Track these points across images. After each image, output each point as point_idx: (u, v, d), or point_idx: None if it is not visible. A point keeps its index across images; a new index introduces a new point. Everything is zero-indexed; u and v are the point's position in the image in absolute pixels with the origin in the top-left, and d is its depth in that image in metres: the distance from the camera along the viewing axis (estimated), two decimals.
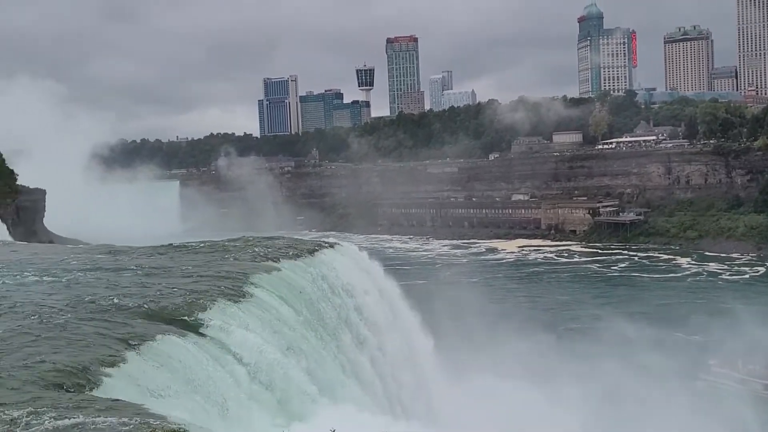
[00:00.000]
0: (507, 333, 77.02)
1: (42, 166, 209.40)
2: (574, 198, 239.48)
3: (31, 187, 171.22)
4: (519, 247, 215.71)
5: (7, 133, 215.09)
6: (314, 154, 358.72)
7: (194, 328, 30.04)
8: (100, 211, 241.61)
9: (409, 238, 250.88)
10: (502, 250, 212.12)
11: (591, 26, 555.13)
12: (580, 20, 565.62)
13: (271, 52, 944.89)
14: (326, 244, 53.07)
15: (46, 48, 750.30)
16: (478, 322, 77.60)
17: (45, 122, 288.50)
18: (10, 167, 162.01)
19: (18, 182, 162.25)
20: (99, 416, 18.34)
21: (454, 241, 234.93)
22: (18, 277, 40.36)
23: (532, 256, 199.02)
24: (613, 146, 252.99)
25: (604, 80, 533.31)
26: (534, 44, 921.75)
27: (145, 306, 31.87)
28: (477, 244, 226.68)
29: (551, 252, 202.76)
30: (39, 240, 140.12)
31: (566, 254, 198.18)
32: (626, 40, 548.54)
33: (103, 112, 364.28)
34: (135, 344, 26.38)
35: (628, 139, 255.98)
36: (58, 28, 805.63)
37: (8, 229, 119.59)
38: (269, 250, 48.40)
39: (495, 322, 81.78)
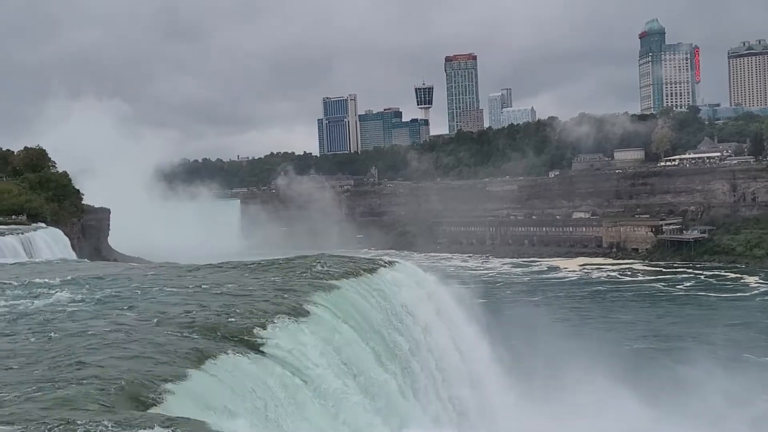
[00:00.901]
0: (572, 354, 75.68)
1: (106, 184, 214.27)
2: (637, 216, 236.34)
3: (96, 206, 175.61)
4: (580, 265, 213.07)
5: (74, 152, 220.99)
6: (373, 172, 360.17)
7: (255, 345, 30.02)
8: (163, 229, 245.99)
9: (469, 257, 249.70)
10: (564, 268, 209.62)
11: (653, 42, 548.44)
12: (642, 36, 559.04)
13: (331, 71, 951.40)
14: (385, 263, 52.84)
15: (110, 68, 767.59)
16: (543, 341, 76.41)
17: (110, 142, 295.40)
18: (76, 187, 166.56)
19: (83, 201, 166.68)
20: None
21: (515, 260, 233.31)
22: (86, 294, 41.00)
23: (595, 274, 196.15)
24: (676, 163, 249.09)
25: (667, 96, 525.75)
26: (594, 60, 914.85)
27: (206, 323, 31.99)
28: (538, 263, 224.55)
29: (614, 270, 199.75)
30: (103, 258, 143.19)
31: (629, 273, 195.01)
32: (689, 56, 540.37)
33: (166, 131, 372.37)
34: (196, 361, 26.43)
35: (692, 155, 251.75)
36: (122, 49, 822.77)
37: (74, 247, 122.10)
38: (329, 268, 48.39)
39: (560, 342, 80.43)
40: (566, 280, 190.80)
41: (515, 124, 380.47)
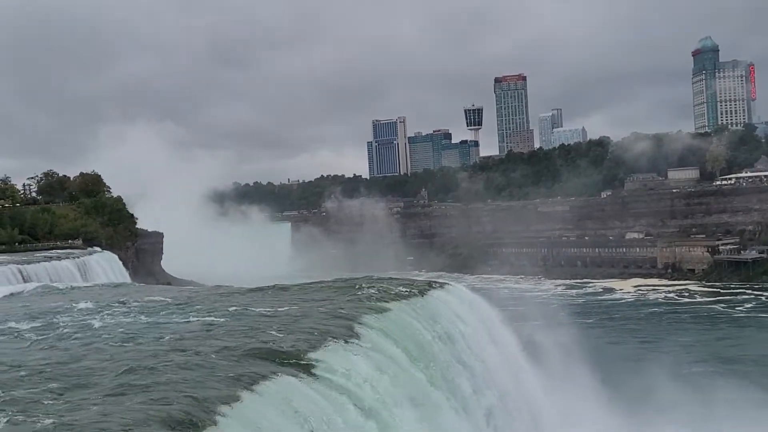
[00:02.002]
0: (628, 376, 74.39)
1: (159, 208, 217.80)
2: (692, 236, 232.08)
3: (149, 230, 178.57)
4: (635, 286, 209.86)
5: (128, 176, 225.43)
6: (423, 194, 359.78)
7: (306, 368, 29.95)
8: (215, 253, 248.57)
9: (521, 278, 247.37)
10: (619, 289, 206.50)
11: (706, 60, 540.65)
12: (695, 54, 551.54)
13: (380, 94, 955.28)
14: (437, 285, 52.48)
15: (162, 96, 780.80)
16: (602, 366, 75.11)
17: (162, 166, 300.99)
18: (131, 211, 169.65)
19: (137, 225, 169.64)
20: None
21: (567, 281, 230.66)
22: (140, 317, 41.47)
23: (652, 296, 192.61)
24: (733, 182, 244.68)
25: (722, 114, 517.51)
26: (646, 79, 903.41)
27: (258, 345, 32.04)
28: (591, 284, 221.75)
29: (670, 292, 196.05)
30: (157, 281, 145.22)
31: (686, 294, 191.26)
32: (744, 73, 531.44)
33: (218, 156, 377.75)
34: (249, 384, 26.44)
35: (749, 174, 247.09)
36: (175, 77, 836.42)
37: (129, 271, 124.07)
38: (379, 290, 48.20)
39: (618, 365, 79.11)
40: (623, 301, 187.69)
41: (566, 144, 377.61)
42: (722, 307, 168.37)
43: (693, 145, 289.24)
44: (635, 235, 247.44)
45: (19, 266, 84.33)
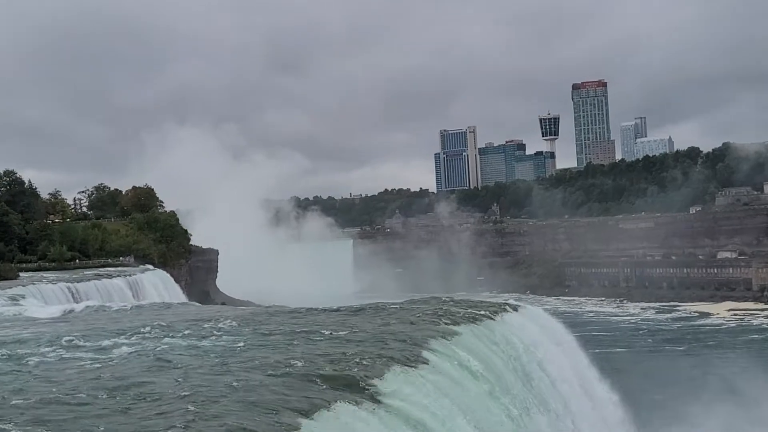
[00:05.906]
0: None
1: (214, 222, 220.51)
2: None
3: (203, 246, 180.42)
4: (729, 310, 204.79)
5: (182, 189, 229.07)
6: (495, 209, 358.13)
7: (371, 394, 29.89)
8: (272, 270, 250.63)
9: (601, 300, 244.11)
10: (715, 314, 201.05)
11: None
12: None
13: (448, 102, 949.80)
14: (510, 308, 52.05)
15: (216, 104, 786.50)
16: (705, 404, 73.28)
17: (218, 178, 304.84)
18: (184, 227, 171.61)
19: (191, 242, 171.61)
20: None
21: (652, 304, 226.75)
22: (192, 339, 41.95)
23: (754, 321, 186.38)
24: None
25: None
26: (741, 84, 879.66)
27: (320, 370, 32.08)
28: (681, 308, 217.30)
29: None
30: (212, 301, 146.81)
31: None
32: None
33: (275, 169, 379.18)
34: (308, 411, 26.47)
35: None
36: (229, 85, 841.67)
37: (183, 289, 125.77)
38: (447, 312, 48.01)
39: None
40: (724, 327, 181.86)
41: (651, 155, 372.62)
42: None
43: None
44: (728, 255, 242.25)
45: (69, 285, 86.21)
